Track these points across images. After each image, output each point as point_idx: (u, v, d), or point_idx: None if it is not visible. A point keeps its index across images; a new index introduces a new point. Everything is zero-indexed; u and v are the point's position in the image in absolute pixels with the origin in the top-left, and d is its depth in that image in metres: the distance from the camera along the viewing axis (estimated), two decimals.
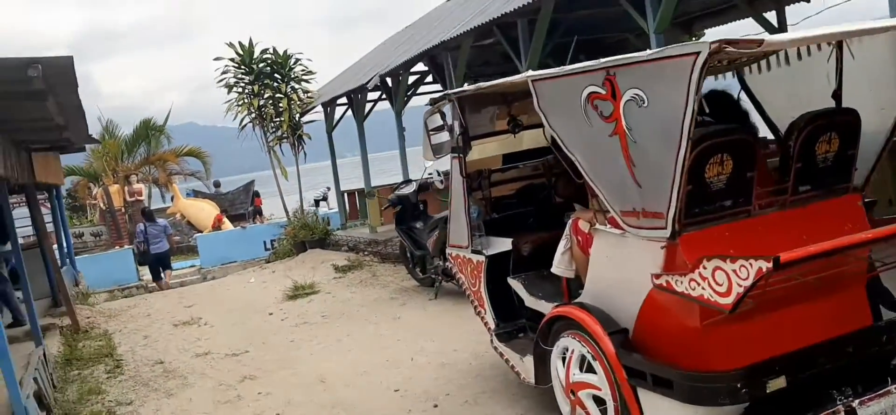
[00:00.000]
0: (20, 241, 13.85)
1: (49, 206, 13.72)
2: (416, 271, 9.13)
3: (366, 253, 12.66)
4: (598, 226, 3.80)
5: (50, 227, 14.53)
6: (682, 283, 3.19)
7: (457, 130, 4.69)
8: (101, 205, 23.91)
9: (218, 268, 18.56)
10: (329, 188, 28.70)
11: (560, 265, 4.25)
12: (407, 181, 9.23)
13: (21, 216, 17.72)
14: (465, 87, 4.58)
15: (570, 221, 4.21)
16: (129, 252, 18.41)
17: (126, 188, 24.01)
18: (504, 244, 4.79)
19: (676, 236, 3.30)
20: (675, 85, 2.98)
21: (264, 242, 19.19)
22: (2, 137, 6.65)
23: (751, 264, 2.81)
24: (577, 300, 4.03)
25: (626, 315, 3.75)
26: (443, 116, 4.80)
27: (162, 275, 15.37)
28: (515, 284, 4.75)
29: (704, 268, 3.02)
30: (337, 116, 15.76)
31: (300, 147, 15.42)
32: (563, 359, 4.00)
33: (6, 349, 4.78)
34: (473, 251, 4.91)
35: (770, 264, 2.72)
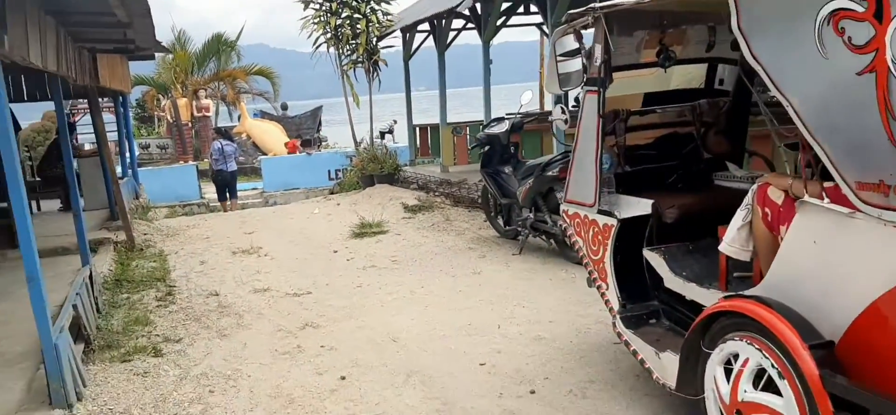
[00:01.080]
0: (87, 147, 13.61)
1: (115, 114, 13.19)
2: (497, 221, 8.20)
3: (437, 193, 11.78)
4: (807, 198, 2.75)
5: (115, 136, 14.20)
6: None
7: (598, 56, 3.64)
8: (169, 117, 23.68)
9: (280, 193, 18.07)
10: (396, 121, 27.85)
11: (734, 243, 3.21)
12: (497, 119, 8.20)
13: (86, 124, 17.22)
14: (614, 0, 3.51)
15: (754, 188, 3.15)
16: (193, 168, 18.06)
17: (194, 103, 23.71)
18: (642, 206, 3.76)
19: None
20: None
21: (329, 171, 18.59)
22: (59, 31, 5.92)
23: None
24: (752, 292, 3.01)
25: (829, 323, 2.73)
26: (578, 37, 3.74)
27: (227, 196, 15.33)
28: (653, 258, 3.74)
29: None
30: (416, 43, 14.71)
31: (375, 74, 14.50)
32: (729, 368, 3.01)
33: (37, 274, 4.07)
34: (600, 211, 3.91)
35: None
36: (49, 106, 14.25)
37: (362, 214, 10.21)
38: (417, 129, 15.79)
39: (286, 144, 22.73)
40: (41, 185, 11.51)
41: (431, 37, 14.18)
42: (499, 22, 11.73)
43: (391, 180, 12.74)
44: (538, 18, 13.32)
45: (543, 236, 7.29)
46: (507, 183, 7.62)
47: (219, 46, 25.64)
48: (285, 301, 6.34)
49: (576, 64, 3.75)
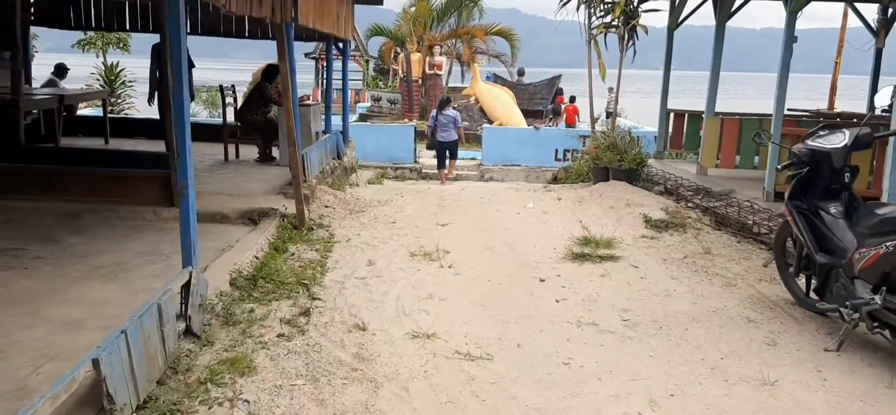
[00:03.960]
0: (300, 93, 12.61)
1: (325, 61, 11.89)
2: (797, 282, 5.25)
3: (691, 204, 8.87)
4: None
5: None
6: None
7: None
8: (401, 72, 22.79)
9: (499, 168, 16.11)
10: (611, 87, 24.22)
11: None
12: (828, 126, 5.06)
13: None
14: None
15: None
16: (411, 129, 16.71)
17: (427, 59, 22.54)
18: None
19: None
20: None
21: (556, 151, 16.22)
22: None
23: None
24: None
25: None
26: None
27: (446, 163, 14.75)
28: None
29: None
30: (687, 9, 11.62)
31: (630, 42, 11.72)
32: None
33: None
34: None
35: None
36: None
37: (588, 223, 7.71)
38: (671, 115, 12.70)
39: (566, 110, 21.10)
40: (241, 130, 10.54)
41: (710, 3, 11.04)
42: None
43: (631, 178, 10.00)
44: None
45: (891, 334, 4.25)
46: (832, 231, 4.64)
47: (461, 1, 24.22)
48: (450, 368, 4.11)
49: None
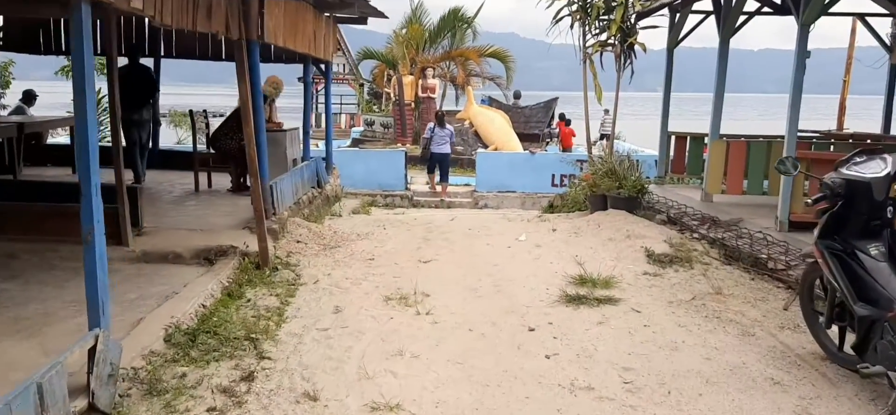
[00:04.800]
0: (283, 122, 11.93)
1: (303, 83, 11.23)
2: (827, 334, 4.49)
3: (696, 234, 8.13)
4: None
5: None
6: None
7: None
8: (393, 96, 22.16)
9: (494, 195, 15.40)
10: (607, 111, 23.50)
11: None
12: (867, 151, 4.29)
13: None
14: None
15: None
16: (401, 155, 16.01)
17: (420, 82, 21.92)
18: None
19: None
20: None
21: (553, 176, 15.51)
22: None
23: None
24: None
25: None
26: None
27: (436, 173, 15.34)
28: None
29: None
30: (688, 26, 10.95)
31: (628, 62, 11.04)
32: None
33: None
34: None
35: None
36: (275, 70, 12.86)
37: (584, 258, 6.97)
38: (673, 138, 11.99)
39: (561, 132, 20.93)
40: (213, 158, 9.84)
41: (713, 19, 10.39)
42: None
43: (631, 206, 9.26)
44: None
45: None
46: (873, 276, 3.89)
47: (454, 22, 23.62)
48: None
49: None
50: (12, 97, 14.63)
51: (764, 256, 7.00)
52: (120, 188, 6.27)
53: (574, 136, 21.88)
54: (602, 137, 21.74)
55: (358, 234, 8.45)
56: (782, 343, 4.91)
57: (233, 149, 9.54)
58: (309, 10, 9.11)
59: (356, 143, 23.01)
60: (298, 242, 7.54)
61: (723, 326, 5.27)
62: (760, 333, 5.12)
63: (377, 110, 26.60)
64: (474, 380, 4.21)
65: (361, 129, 24.61)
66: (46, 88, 16.51)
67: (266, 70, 16.05)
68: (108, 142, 9.27)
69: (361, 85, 30.40)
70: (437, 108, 23.47)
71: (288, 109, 17.89)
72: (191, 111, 9.98)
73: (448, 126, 15.87)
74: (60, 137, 16.23)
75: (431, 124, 15.81)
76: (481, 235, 8.63)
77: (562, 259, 7.17)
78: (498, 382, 4.19)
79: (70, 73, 14.68)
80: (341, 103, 31.59)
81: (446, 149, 15.29)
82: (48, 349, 4.08)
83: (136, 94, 9.63)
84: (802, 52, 7.87)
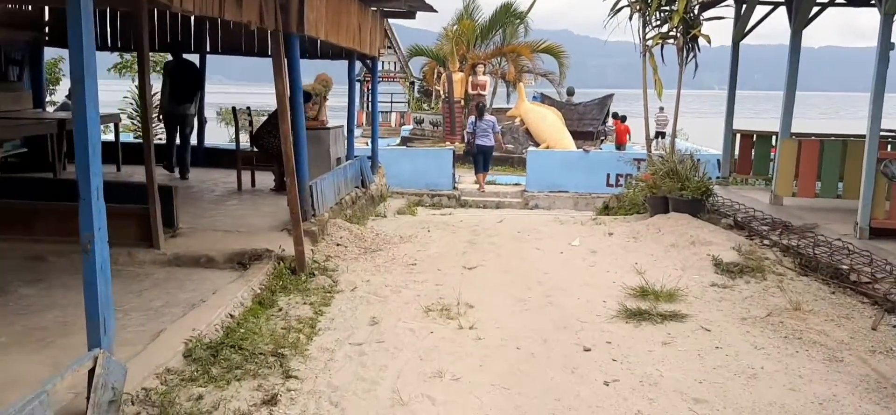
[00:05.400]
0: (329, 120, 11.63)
1: (348, 78, 10.88)
2: None
3: (768, 241, 7.45)
4: None
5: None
6: None
7: None
8: (443, 93, 21.74)
9: (545, 195, 14.81)
10: (667, 119, 22.74)
11: None
12: None
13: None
14: None
15: None
16: (450, 153, 15.57)
17: (470, 79, 21.44)
18: None
19: None
20: None
21: (608, 176, 14.85)
22: None
23: None
24: None
25: None
26: None
27: (481, 168, 15.16)
28: None
29: None
30: (756, 17, 10.19)
31: (691, 54, 10.34)
32: None
33: None
34: None
35: None
36: (323, 66, 12.62)
37: (645, 266, 6.40)
38: (737, 136, 11.22)
39: (615, 129, 20.53)
40: (256, 156, 9.58)
41: (782, 10, 9.63)
42: None
43: (694, 209, 8.60)
44: None
45: None
46: None
47: (506, 17, 23.06)
48: None
49: None
50: (63, 94, 14.75)
51: (845, 266, 6.31)
52: (151, 187, 5.99)
53: (629, 133, 21.15)
54: (657, 135, 20.91)
55: (401, 236, 8.04)
56: (875, 371, 4.27)
57: (275, 147, 9.23)
58: (353, 2, 8.74)
59: (405, 141, 22.70)
60: (338, 244, 7.17)
61: (805, 348, 4.65)
62: (849, 357, 4.49)
63: (427, 108, 26.25)
64: (521, 409, 3.72)
65: (411, 127, 24.29)
66: (102, 86, 16.65)
67: (309, 66, 15.88)
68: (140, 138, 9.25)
69: (412, 83, 30.09)
70: (488, 105, 23.00)
71: (337, 107, 17.67)
72: (234, 108, 9.76)
73: (489, 116, 15.71)
74: (107, 135, 16.35)
75: (472, 118, 15.56)
76: (531, 238, 8.12)
77: (620, 267, 6.61)
78: (555, 394, 3.70)
79: (125, 71, 14.69)
80: (392, 101, 31.35)
81: (490, 141, 15.10)
82: (59, 363, 3.77)
83: (181, 89, 9.82)
84: (886, 44, 7.15)
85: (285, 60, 5.88)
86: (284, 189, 9.16)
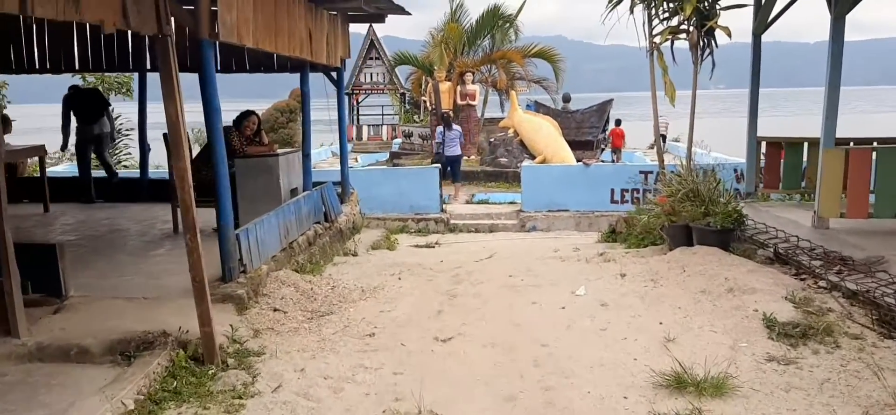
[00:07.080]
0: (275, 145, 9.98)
1: (301, 93, 9.33)
2: None
3: (823, 282, 5.83)
4: None
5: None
6: None
7: None
8: (429, 104, 20.22)
9: (542, 214, 13.26)
10: (667, 124, 21.36)
11: None
12: None
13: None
14: None
15: None
16: (435, 172, 14.00)
17: (458, 88, 19.92)
18: None
19: None
20: None
21: (612, 191, 13.30)
22: None
23: None
24: None
25: None
26: None
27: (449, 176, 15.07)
28: None
29: None
30: (779, 5, 8.61)
31: (708, 51, 8.79)
32: None
33: None
34: None
35: None
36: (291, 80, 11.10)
37: (673, 330, 4.82)
38: (763, 144, 9.63)
39: (611, 133, 19.89)
40: (195, 191, 7.97)
41: None
42: None
43: (724, 242, 7.00)
44: None
45: None
46: None
47: (494, 21, 21.53)
48: None
49: None
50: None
51: None
52: (5, 253, 4.40)
53: (623, 136, 19.89)
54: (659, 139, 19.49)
55: (363, 288, 6.45)
56: None
57: (212, 181, 7.70)
58: (300, 3, 7.18)
59: (394, 156, 21.22)
60: (275, 310, 5.59)
61: None
62: None
63: (417, 120, 24.74)
64: None
65: (400, 141, 22.80)
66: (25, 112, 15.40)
67: (279, 81, 14.19)
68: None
69: (402, 95, 28.58)
70: (479, 116, 21.48)
71: (323, 120, 16.15)
72: (165, 135, 8.16)
73: (456, 127, 15.67)
74: (56, 167, 14.80)
75: (440, 128, 15.40)
76: (526, 285, 6.52)
77: (640, 332, 5.01)
78: None
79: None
80: (382, 114, 29.88)
81: (457, 150, 15.23)
82: None
83: (88, 111, 9.69)
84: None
85: (176, 74, 4.30)
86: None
